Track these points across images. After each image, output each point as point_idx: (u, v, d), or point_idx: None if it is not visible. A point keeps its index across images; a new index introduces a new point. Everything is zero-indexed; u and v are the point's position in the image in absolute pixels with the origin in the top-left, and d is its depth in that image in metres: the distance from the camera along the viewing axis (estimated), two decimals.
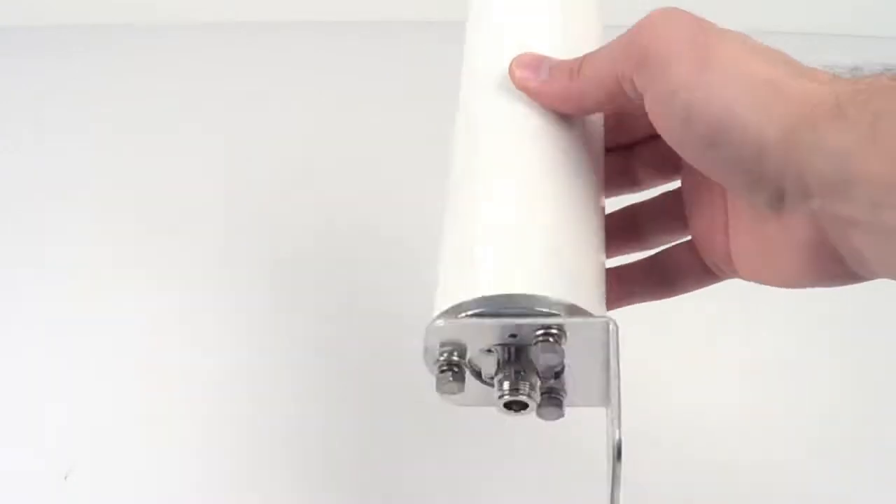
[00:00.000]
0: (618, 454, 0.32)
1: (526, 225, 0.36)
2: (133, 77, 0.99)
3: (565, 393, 0.36)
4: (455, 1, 0.49)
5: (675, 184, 0.45)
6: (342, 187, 0.86)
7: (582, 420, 0.37)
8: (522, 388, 0.34)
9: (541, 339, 0.33)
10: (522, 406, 0.35)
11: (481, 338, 0.34)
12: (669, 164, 0.43)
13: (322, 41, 1.01)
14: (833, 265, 0.33)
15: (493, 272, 0.35)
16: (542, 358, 0.33)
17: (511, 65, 0.39)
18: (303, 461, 0.66)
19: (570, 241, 0.36)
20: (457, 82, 0.44)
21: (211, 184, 0.88)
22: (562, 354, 0.34)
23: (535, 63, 0.39)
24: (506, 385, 0.34)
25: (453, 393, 0.35)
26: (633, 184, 0.46)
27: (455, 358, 0.35)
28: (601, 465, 0.33)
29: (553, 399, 0.35)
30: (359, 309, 0.76)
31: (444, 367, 0.35)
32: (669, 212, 0.45)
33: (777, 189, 0.32)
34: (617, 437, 0.32)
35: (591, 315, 0.34)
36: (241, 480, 0.65)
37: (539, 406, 0.35)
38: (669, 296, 0.45)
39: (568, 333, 0.33)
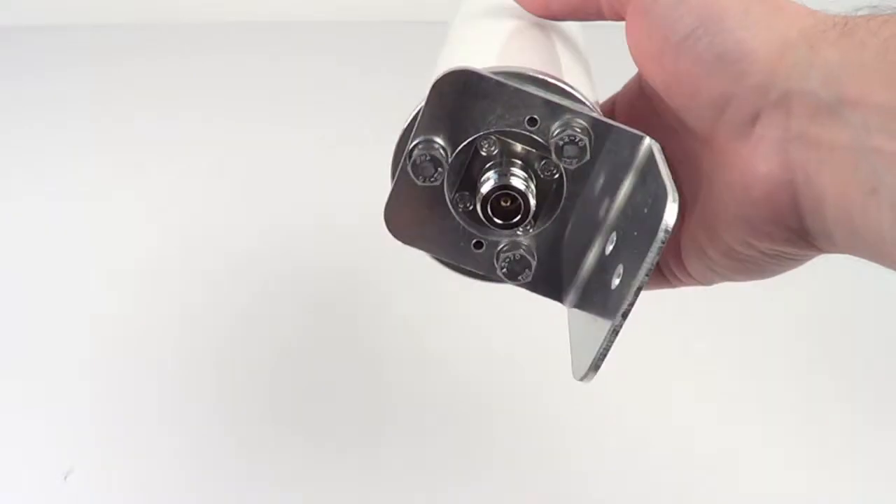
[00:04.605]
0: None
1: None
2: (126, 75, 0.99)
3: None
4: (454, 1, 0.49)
5: None
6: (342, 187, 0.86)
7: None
8: (517, 174, 0.31)
9: (569, 138, 0.30)
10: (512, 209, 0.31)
11: (506, 108, 0.30)
12: None
13: (320, 41, 1.01)
14: (787, 214, 0.30)
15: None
16: (566, 150, 0.30)
17: None
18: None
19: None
20: None
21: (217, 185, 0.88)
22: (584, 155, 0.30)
23: None
24: (496, 175, 0.31)
25: (430, 176, 0.31)
26: None
27: (437, 152, 0.31)
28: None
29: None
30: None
31: (424, 157, 0.31)
32: None
33: (753, 107, 0.30)
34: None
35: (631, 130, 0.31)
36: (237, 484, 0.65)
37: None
38: None
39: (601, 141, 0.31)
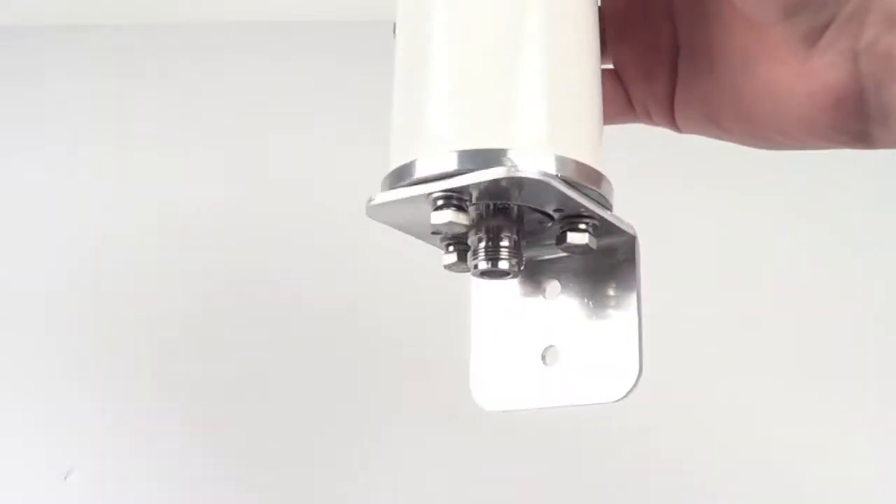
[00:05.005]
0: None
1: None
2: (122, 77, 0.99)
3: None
4: None
5: None
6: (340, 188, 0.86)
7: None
8: (504, 256, 0.32)
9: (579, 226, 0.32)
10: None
11: (542, 197, 0.31)
12: None
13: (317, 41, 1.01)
14: (852, 121, 0.30)
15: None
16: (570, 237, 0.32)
17: None
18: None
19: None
20: None
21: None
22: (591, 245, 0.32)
23: None
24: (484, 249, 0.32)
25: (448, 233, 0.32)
26: None
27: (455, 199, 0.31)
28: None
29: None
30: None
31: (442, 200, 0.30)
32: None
33: (829, 14, 0.29)
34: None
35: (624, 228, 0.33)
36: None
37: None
38: None
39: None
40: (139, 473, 0.65)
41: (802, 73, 0.31)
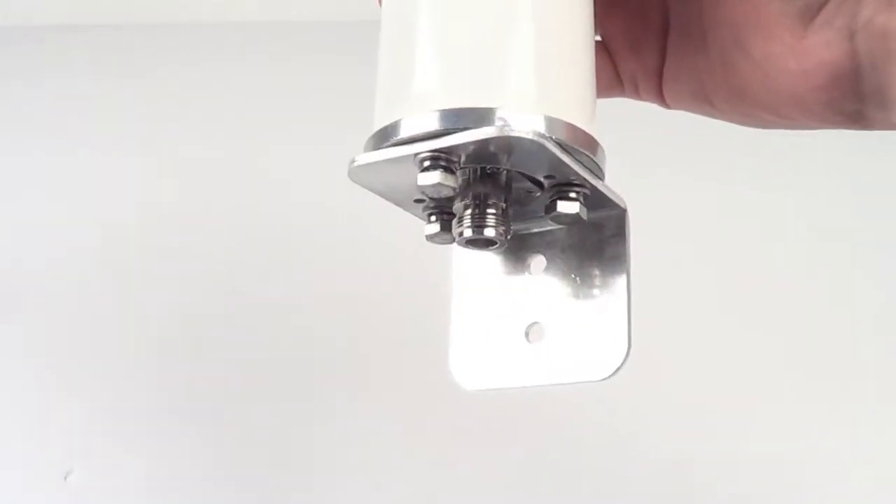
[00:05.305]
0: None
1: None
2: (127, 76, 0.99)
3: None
4: None
5: None
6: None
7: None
8: (490, 223, 0.30)
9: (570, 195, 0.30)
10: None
11: (532, 160, 0.29)
12: None
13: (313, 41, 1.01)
14: (846, 100, 0.30)
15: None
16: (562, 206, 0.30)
17: None
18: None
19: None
20: None
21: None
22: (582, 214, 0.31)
23: None
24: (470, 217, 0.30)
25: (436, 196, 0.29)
26: None
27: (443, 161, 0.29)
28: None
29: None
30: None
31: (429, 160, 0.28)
32: None
33: None
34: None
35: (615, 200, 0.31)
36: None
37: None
38: None
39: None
40: (139, 473, 0.65)
41: (797, 51, 0.30)
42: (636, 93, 0.37)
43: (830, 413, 0.73)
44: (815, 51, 0.29)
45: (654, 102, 0.36)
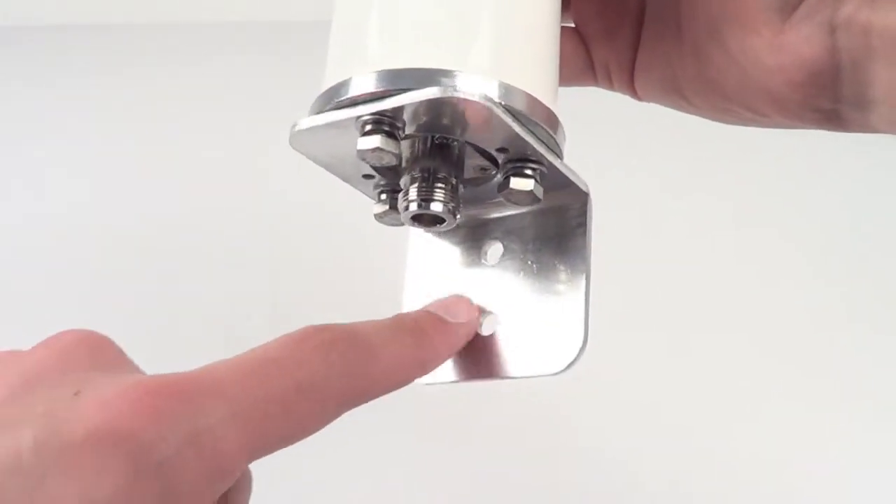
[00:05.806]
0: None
1: None
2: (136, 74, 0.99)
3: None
4: None
5: None
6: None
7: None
8: (439, 197, 0.28)
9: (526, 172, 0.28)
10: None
11: (486, 130, 0.27)
12: None
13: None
14: (823, 99, 0.29)
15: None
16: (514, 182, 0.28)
17: None
18: None
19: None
20: None
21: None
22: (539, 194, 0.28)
23: None
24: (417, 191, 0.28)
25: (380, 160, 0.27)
26: None
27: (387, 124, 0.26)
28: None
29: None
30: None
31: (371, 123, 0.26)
32: None
33: None
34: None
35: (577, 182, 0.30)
36: None
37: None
38: None
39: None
40: None
41: (774, 45, 0.29)
42: (609, 82, 0.35)
43: (830, 413, 0.73)
44: (794, 46, 0.28)
45: (625, 93, 0.35)
